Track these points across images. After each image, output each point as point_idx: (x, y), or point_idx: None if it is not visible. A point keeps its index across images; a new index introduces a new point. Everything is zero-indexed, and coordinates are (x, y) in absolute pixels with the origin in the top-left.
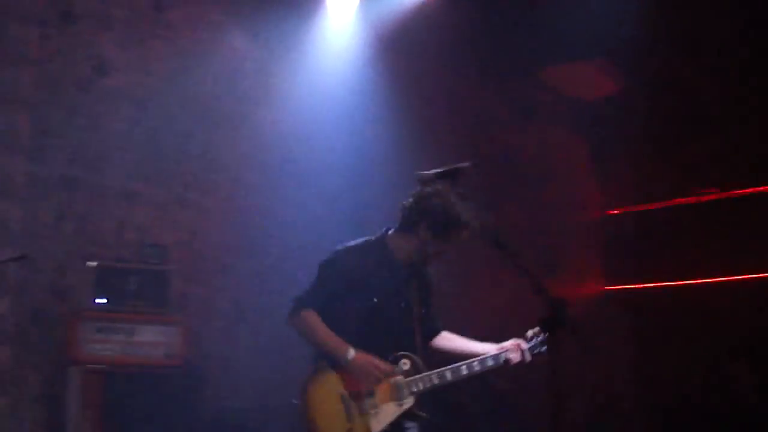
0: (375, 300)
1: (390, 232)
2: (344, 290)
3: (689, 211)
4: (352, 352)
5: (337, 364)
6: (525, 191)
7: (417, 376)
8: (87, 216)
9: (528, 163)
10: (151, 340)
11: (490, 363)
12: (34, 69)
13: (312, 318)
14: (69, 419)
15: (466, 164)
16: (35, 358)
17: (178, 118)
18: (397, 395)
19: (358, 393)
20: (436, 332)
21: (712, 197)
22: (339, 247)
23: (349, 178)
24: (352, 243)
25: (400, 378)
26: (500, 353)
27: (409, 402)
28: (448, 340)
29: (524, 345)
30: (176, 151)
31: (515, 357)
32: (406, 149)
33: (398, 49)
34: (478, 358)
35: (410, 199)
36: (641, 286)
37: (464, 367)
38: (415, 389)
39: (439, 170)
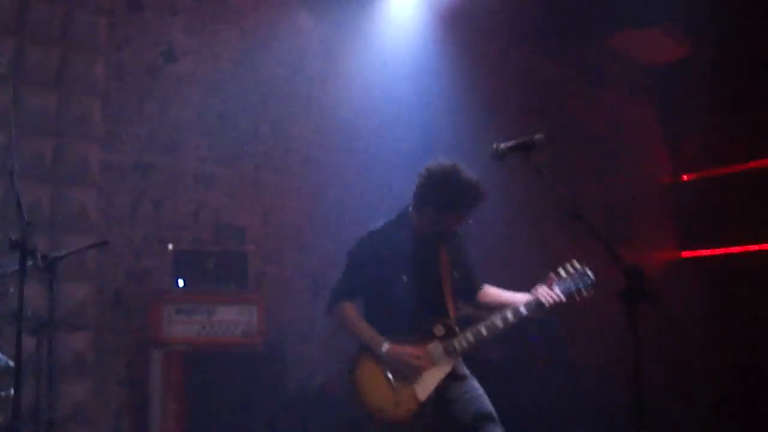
0: (404, 278)
1: (410, 208)
2: (373, 274)
3: (763, 174)
4: (385, 346)
5: (373, 356)
6: (596, 160)
7: (453, 338)
8: (162, 200)
9: (598, 131)
10: (231, 320)
11: (523, 312)
12: (104, 58)
13: (347, 311)
14: (152, 400)
15: (539, 136)
16: (117, 341)
17: (248, 100)
18: (436, 360)
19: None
20: (477, 289)
21: None
22: (363, 234)
23: (419, 153)
24: (374, 227)
25: (436, 344)
26: (531, 300)
27: (449, 365)
28: (488, 295)
29: (555, 287)
30: (247, 133)
31: (548, 300)
32: (474, 123)
33: (463, 23)
34: (510, 308)
35: (419, 178)
36: (716, 251)
37: (498, 320)
38: (453, 350)
39: (512, 143)
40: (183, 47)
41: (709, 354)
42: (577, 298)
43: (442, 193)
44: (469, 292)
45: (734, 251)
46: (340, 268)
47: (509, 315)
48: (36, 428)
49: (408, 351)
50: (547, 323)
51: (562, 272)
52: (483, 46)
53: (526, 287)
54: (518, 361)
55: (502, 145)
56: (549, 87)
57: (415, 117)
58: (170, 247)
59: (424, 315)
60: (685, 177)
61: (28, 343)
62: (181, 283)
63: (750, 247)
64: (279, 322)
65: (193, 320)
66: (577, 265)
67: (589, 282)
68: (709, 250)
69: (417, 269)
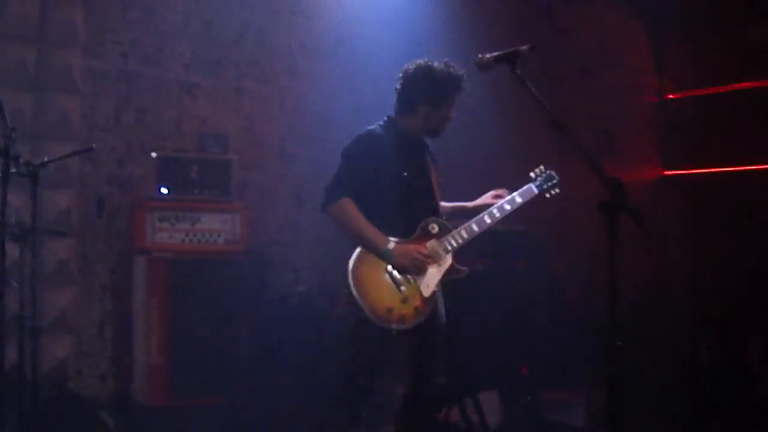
0: (405, 174)
1: (393, 116)
2: (373, 170)
3: (750, 95)
4: (391, 244)
5: (377, 255)
6: (582, 75)
7: (447, 235)
8: (146, 108)
9: (585, 48)
10: (214, 228)
11: (507, 207)
12: None
13: (349, 207)
14: (136, 307)
15: (525, 47)
16: (101, 249)
17: (232, 8)
18: (435, 258)
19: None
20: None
21: None
22: (358, 134)
23: (404, 64)
24: (367, 129)
25: (432, 241)
26: (513, 195)
27: (447, 261)
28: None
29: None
30: (232, 41)
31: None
32: (461, 32)
33: None
34: (496, 204)
35: (400, 83)
36: (699, 171)
37: (486, 216)
38: (449, 247)
39: (497, 53)
40: None
41: (688, 273)
42: (547, 196)
43: (430, 87)
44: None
45: (717, 171)
46: (323, 176)
47: (495, 211)
48: (20, 334)
49: (414, 247)
50: (531, 237)
51: (531, 175)
52: None
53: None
54: (501, 274)
55: (488, 55)
56: (537, 1)
57: (401, 27)
58: (154, 154)
59: (420, 214)
60: (670, 96)
61: (12, 249)
62: (164, 190)
63: (733, 167)
64: (262, 230)
65: (176, 228)
66: (543, 168)
67: (554, 181)
68: (692, 170)
69: (413, 167)
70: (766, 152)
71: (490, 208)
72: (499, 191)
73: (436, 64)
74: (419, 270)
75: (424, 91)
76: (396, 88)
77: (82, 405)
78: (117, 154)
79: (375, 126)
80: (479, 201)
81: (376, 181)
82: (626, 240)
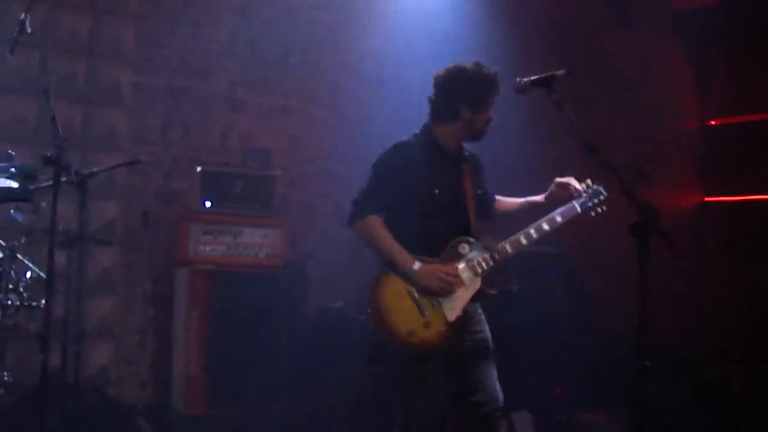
0: (436, 191)
1: (430, 125)
2: (402, 186)
3: None
4: (416, 265)
5: (402, 276)
6: (623, 100)
7: (478, 256)
8: (192, 124)
9: (626, 72)
10: (255, 242)
11: (545, 227)
12: None
13: (375, 224)
14: (177, 317)
15: (561, 71)
16: (144, 259)
17: (279, 27)
18: (464, 279)
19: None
20: (493, 203)
21: None
22: (389, 147)
23: None
24: (401, 139)
25: (462, 263)
26: (553, 215)
27: (476, 283)
28: (502, 201)
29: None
30: (278, 60)
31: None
32: (502, 58)
33: None
34: (532, 226)
35: (435, 91)
36: (739, 198)
37: (522, 237)
38: (479, 269)
39: (534, 77)
40: None
41: (724, 301)
42: (592, 214)
43: (469, 88)
44: (487, 208)
45: (758, 198)
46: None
47: (532, 232)
48: (64, 339)
49: (441, 268)
50: (562, 258)
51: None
52: None
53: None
54: (536, 294)
55: (525, 79)
56: (578, 25)
57: (444, 51)
58: (198, 168)
59: (450, 233)
60: (712, 122)
61: (60, 257)
62: (208, 204)
63: None
64: (302, 245)
65: (218, 241)
66: (590, 182)
67: (601, 198)
68: (731, 197)
69: (446, 184)
70: None
71: (527, 229)
72: (565, 180)
73: (467, 64)
74: (446, 292)
75: (464, 92)
76: (430, 98)
77: (121, 411)
78: (163, 167)
79: (410, 136)
80: (548, 194)
81: (404, 197)
82: (663, 265)
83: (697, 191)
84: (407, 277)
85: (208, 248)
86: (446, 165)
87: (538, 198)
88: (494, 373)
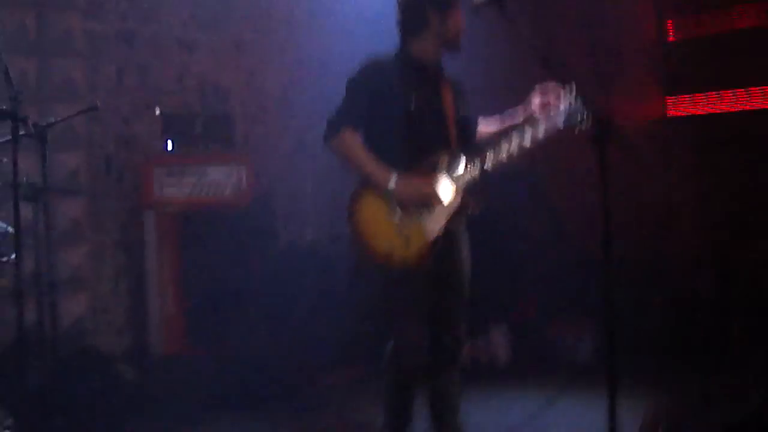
0: (412, 106)
1: (404, 43)
2: (378, 100)
3: (753, 33)
4: (394, 179)
5: (379, 190)
6: (581, 9)
7: (457, 171)
8: (147, 67)
9: None
10: (220, 180)
11: (527, 141)
12: None
13: (351, 139)
14: (148, 261)
15: None
16: (111, 206)
17: None
18: (444, 194)
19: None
20: (476, 127)
21: None
22: (364, 60)
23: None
24: (378, 54)
25: (443, 175)
26: (532, 132)
27: (458, 198)
28: (485, 123)
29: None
30: None
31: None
32: None
33: None
34: (513, 136)
35: (399, 5)
36: (703, 111)
37: (503, 143)
38: (460, 182)
39: None
40: None
41: (690, 214)
42: (575, 131)
43: None
44: (471, 134)
45: (720, 111)
46: (324, 123)
47: (516, 145)
48: (38, 293)
49: (419, 180)
50: (530, 174)
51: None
52: None
53: None
54: (502, 212)
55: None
56: None
57: None
58: (157, 111)
59: (429, 146)
60: (672, 36)
61: (26, 210)
62: (170, 146)
63: (735, 107)
64: (267, 180)
65: (183, 182)
66: (573, 97)
67: (585, 113)
68: (694, 109)
69: (424, 100)
70: None
71: (508, 139)
72: (546, 90)
73: None
74: (424, 205)
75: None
76: (397, 20)
77: (100, 359)
78: (122, 113)
79: (384, 54)
80: (528, 106)
81: (380, 112)
82: (630, 177)
83: (659, 105)
84: (384, 191)
85: (173, 190)
86: (424, 82)
87: (519, 114)
88: (461, 310)
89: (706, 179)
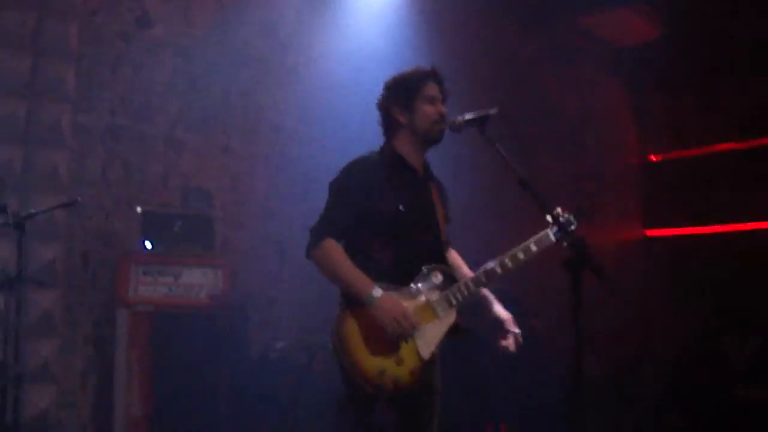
0: (401, 207)
1: (388, 143)
2: (363, 204)
3: (729, 157)
4: (378, 291)
5: (361, 302)
6: (563, 137)
7: (452, 287)
8: (133, 164)
9: (567, 109)
10: (196, 282)
11: (521, 257)
12: (80, 21)
13: (333, 249)
14: (118, 359)
15: (494, 110)
16: (85, 301)
17: (220, 67)
18: (437, 312)
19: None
20: (448, 246)
21: (754, 143)
22: (348, 162)
23: None
24: (362, 156)
25: (435, 293)
26: (528, 243)
27: (451, 316)
28: (456, 263)
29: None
30: (219, 100)
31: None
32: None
33: None
34: (506, 255)
35: (379, 104)
36: (681, 232)
37: (497, 266)
38: (454, 301)
39: (467, 116)
40: (158, 13)
41: (668, 334)
42: (565, 244)
43: (397, 89)
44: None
45: (699, 232)
46: (307, 236)
47: (508, 261)
48: (3, 383)
49: (403, 311)
50: (510, 297)
51: (549, 219)
52: (457, 19)
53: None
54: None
55: (459, 118)
56: (520, 62)
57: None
58: (138, 209)
59: (420, 256)
60: (652, 157)
61: None
62: (148, 244)
63: (713, 228)
64: (244, 286)
65: (159, 281)
66: (560, 210)
67: (574, 227)
68: (674, 230)
69: (412, 200)
70: (745, 213)
71: (502, 258)
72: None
73: (395, 74)
74: (399, 336)
75: (393, 97)
76: (380, 111)
77: None
78: (104, 208)
79: (367, 152)
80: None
81: (367, 218)
82: (606, 299)
83: (639, 226)
84: (368, 305)
85: (148, 289)
86: (411, 181)
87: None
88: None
89: (681, 300)
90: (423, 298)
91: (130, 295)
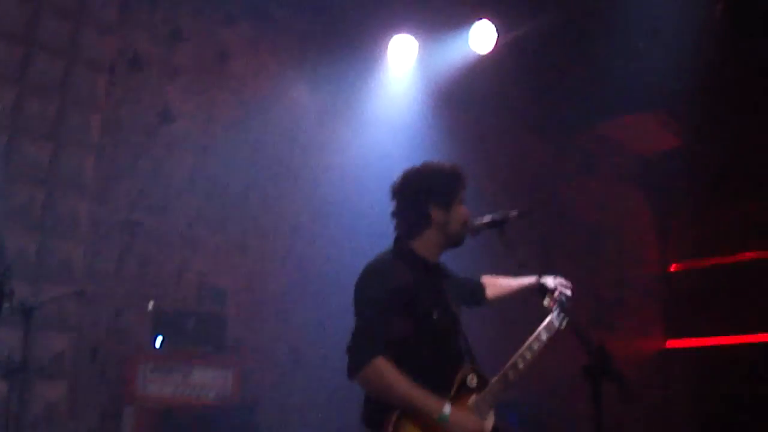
0: (435, 315)
1: (403, 240)
2: (399, 313)
3: (750, 266)
4: (447, 408)
5: (429, 421)
6: (583, 245)
7: (488, 388)
8: (148, 259)
9: (587, 217)
10: (206, 382)
11: (535, 347)
12: (102, 114)
13: (386, 369)
14: None
15: (514, 213)
16: (91, 395)
17: (240, 165)
18: (482, 416)
19: None
20: (483, 288)
21: None
22: (367, 267)
23: None
24: (380, 258)
25: (475, 397)
26: (538, 332)
27: (491, 418)
28: (493, 286)
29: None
30: (237, 198)
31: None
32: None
33: (456, 102)
34: (523, 348)
35: (398, 202)
36: (703, 343)
37: (519, 361)
38: (491, 402)
39: (486, 219)
40: (179, 109)
41: None
42: (564, 325)
43: (433, 185)
44: (478, 297)
45: (720, 342)
46: (321, 340)
47: (534, 345)
48: None
49: (474, 422)
50: (522, 403)
51: (545, 303)
52: (476, 124)
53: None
54: None
55: (477, 221)
56: (540, 169)
57: None
58: (150, 305)
59: (453, 362)
60: (673, 267)
61: (0, 387)
62: (158, 342)
63: (736, 339)
64: (255, 387)
65: (168, 380)
66: (555, 294)
67: (566, 305)
68: (694, 341)
69: (441, 305)
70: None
71: (521, 352)
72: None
73: (422, 165)
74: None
75: (430, 191)
76: (393, 212)
77: None
78: (116, 302)
79: (383, 255)
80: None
81: (403, 328)
82: (627, 409)
83: (659, 336)
84: (437, 422)
85: (156, 387)
86: (433, 283)
87: (528, 281)
88: None
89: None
90: (469, 403)
91: (138, 392)
